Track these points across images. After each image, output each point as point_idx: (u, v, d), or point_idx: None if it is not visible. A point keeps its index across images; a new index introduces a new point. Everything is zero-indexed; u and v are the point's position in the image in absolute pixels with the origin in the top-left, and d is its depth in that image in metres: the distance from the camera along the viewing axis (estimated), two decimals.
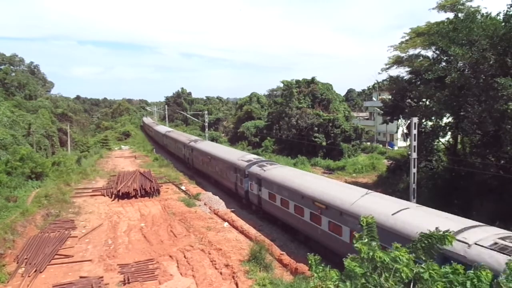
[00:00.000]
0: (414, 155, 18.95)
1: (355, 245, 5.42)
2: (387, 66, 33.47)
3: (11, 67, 71.63)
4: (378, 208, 14.17)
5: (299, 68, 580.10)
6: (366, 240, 5.53)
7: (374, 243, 5.47)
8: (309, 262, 5.85)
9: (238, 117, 75.41)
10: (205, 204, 27.68)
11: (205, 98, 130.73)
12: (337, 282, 5.14)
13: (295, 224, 20.10)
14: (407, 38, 32.10)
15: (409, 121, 21.77)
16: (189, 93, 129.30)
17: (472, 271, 4.67)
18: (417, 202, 17.18)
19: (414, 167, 18.97)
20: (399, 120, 32.68)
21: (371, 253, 5.10)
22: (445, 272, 4.71)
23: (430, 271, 4.67)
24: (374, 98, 71.34)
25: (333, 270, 5.40)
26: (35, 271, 16.06)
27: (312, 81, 55.07)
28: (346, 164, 43.29)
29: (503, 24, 20.52)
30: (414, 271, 4.81)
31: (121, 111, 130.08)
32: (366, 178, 38.03)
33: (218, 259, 16.94)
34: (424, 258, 5.27)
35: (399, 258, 4.92)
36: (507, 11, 20.94)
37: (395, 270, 4.93)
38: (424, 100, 26.87)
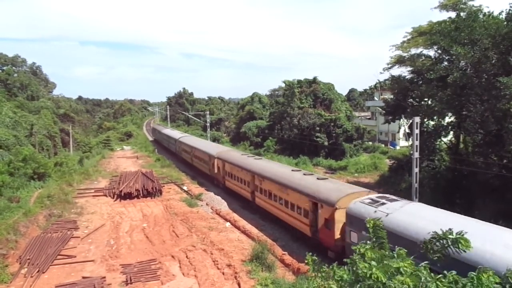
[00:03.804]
0: (416, 154, 18.90)
1: (359, 249, 5.05)
2: (389, 66, 33.34)
3: (14, 68, 71.95)
4: None
5: (300, 68, 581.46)
6: (370, 246, 5.15)
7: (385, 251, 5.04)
8: (306, 261, 5.81)
9: (240, 117, 75.40)
10: (207, 204, 27.70)
11: (206, 98, 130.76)
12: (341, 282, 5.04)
13: None
14: (409, 37, 32.00)
15: (411, 121, 21.69)
16: (191, 94, 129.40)
17: (473, 273, 4.59)
18: (420, 202, 17.13)
19: (416, 167, 18.92)
20: (401, 120, 32.65)
21: (368, 272, 4.59)
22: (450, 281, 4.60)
23: (437, 282, 4.53)
24: (376, 98, 71.20)
25: (342, 268, 5.21)
26: (37, 271, 16.10)
27: (314, 81, 55.02)
28: (348, 164, 43.25)
29: (505, 23, 20.50)
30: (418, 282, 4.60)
31: (123, 111, 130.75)
32: (368, 178, 37.97)
33: (220, 259, 16.95)
34: (436, 261, 5.07)
35: (403, 269, 4.68)
36: (509, 10, 20.91)
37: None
38: (426, 99, 26.77)
